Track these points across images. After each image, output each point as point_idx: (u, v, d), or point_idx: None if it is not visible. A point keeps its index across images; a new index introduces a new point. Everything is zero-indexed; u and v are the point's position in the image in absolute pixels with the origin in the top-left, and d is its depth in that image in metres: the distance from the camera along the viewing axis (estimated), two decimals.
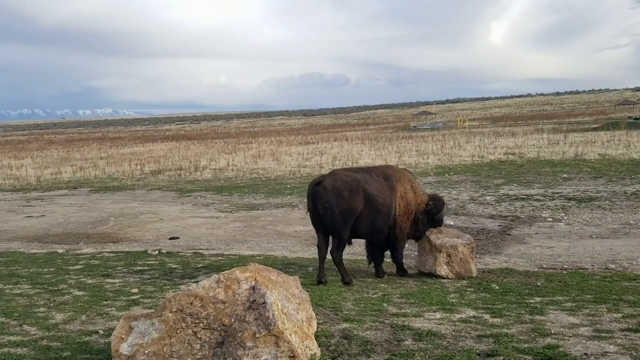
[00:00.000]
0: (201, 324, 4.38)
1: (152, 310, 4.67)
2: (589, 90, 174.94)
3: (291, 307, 4.54)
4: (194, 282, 7.56)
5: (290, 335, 4.32)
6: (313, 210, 7.60)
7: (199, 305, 4.41)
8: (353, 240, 8.05)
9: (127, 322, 4.56)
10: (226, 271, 4.67)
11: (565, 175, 19.86)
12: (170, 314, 4.42)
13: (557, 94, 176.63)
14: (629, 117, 53.58)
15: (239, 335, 4.26)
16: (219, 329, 4.37)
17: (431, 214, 8.04)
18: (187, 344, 4.36)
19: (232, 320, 4.34)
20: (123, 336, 4.47)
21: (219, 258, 9.66)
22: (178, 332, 4.38)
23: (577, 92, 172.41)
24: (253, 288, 4.44)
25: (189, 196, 19.42)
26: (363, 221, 7.59)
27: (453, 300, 6.54)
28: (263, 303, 4.31)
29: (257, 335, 4.23)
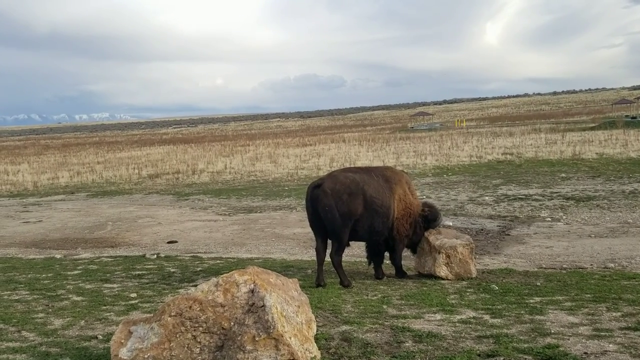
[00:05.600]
0: (200, 328, 4.36)
1: (151, 315, 4.66)
2: (585, 90, 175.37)
3: (290, 310, 4.53)
4: (192, 285, 7.54)
5: (290, 338, 4.31)
6: (312, 214, 7.56)
7: (198, 309, 4.40)
8: (353, 242, 8.03)
9: (126, 327, 4.54)
10: (225, 274, 4.65)
11: (563, 175, 19.89)
12: (169, 318, 4.40)
13: (554, 93, 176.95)
14: (626, 116, 53.65)
15: (239, 338, 4.24)
16: (218, 332, 4.35)
17: (428, 219, 8.02)
18: (187, 348, 4.34)
19: (232, 323, 4.33)
20: (122, 341, 4.45)
21: (218, 261, 9.64)
22: (177, 336, 4.36)
23: (574, 92, 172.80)
24: (252, 291, 4.43)
25: (186, 200, 19.40)
26: (362, 223, 7.53)
27: (453, 302, 6.53)
28: (262, 306, 4.30)
29: (257, 339, 4.21)
